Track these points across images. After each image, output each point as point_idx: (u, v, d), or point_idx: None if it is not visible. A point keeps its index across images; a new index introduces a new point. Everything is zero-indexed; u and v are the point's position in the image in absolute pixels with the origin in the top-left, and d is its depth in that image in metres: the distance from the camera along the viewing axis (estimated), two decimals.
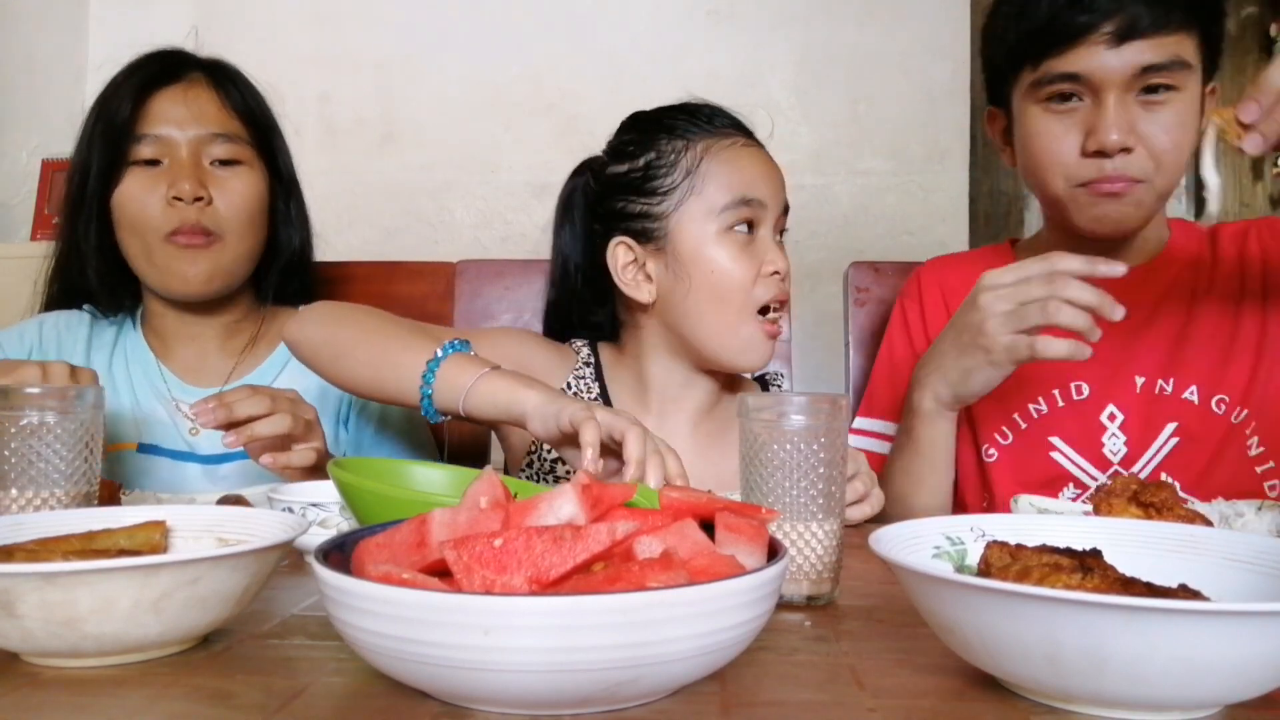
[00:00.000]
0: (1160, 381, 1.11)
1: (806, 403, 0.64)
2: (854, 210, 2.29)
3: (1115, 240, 1.10)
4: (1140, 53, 1.00)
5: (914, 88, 2.27)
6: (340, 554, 0.51)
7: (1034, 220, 2.14)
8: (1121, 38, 1.00)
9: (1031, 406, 1.14)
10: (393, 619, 0.42)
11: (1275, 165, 2.53)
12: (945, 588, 0.46)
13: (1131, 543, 0.59)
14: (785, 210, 1.13)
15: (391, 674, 0.45)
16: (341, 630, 0.45)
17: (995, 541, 0.54)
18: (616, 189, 1.14)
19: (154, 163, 1.17)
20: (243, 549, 0.53)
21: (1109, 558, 0.53)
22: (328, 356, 1.04)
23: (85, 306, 1.27)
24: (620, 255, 1.13)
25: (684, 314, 1.10)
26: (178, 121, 1.18)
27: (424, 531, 0.50)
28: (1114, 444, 1.11)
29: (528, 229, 2.30)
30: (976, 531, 0.60)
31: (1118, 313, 0.91)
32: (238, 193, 1.20)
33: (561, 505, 0.51)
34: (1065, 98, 1.04)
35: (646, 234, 1.11)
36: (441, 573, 0.47)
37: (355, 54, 2.32)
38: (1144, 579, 0.49)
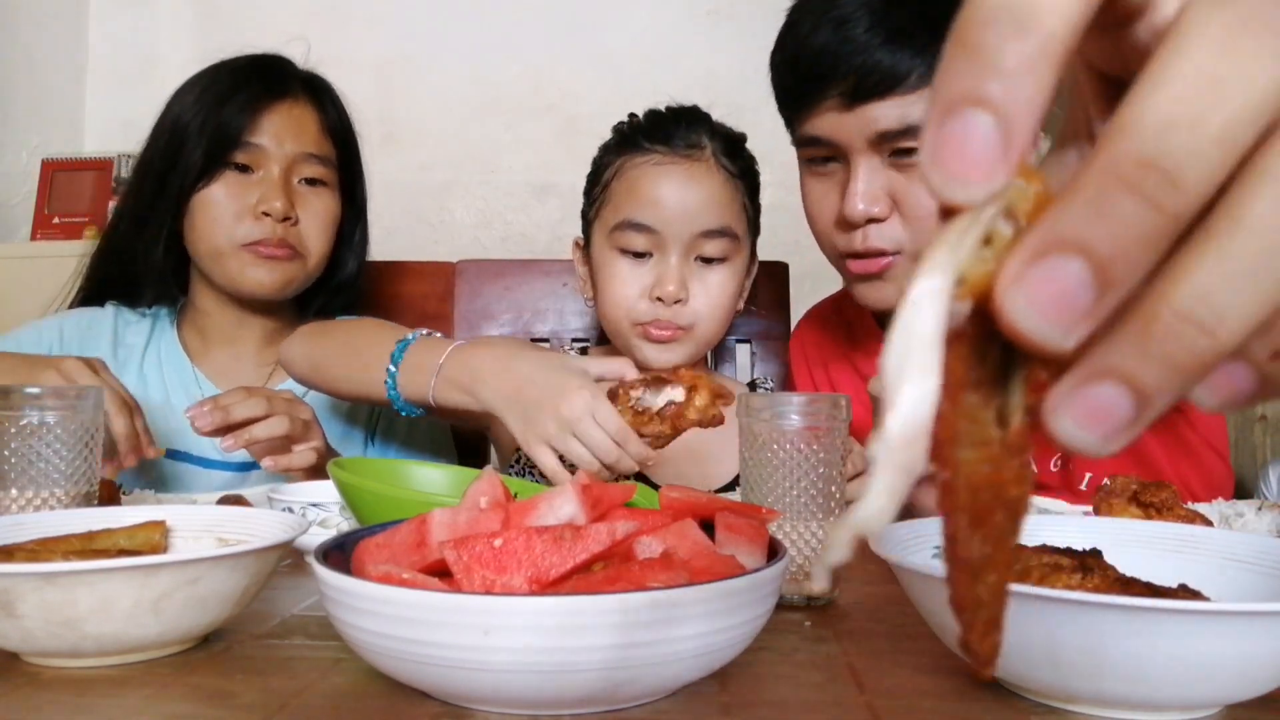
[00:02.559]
0: None
1: (806, 403, 0.64)
2: None
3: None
4: (876, 115, 0.92)
5: None
6: (340, 554, 0.51)
7: None
8: (853, 99, 0.92)
9: None
10: (392, 619, 0.42)
11: None
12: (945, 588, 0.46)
13: (1131, 542, 0.59)
14: (719, 233, 1.09)
15: (391, 674, 0.45)
16: (341, 630, 0.45)
17: None
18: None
19: (244, 169, 1.18)
20: (243, 549, 0.53)
21: (1109, 557, 0.53)
22: (310, 368, 1.06)
23: (109, 304, 1.27)
24: (574, 254, 1.20)
25: (599, 315, 1.16)
26: (278, 136, 1.19)
27: (424, 531, 0.50)
28: None
29: (528, 229, 2.30)
30: None
31: None
32: (319, 215, 1.22)
33: (561, 505, 0.51)
34: (825, 159, 1.00)
35: (586, 236, 1.17)
36: (441, 573, 0.47)
37: (355, 54, 2.32)
38: (1144, 579, 0.49)
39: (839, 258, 1.02)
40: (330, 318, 1.31)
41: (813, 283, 2.23)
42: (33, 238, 2.17)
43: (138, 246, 1.22)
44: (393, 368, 0.94)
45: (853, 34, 0.92)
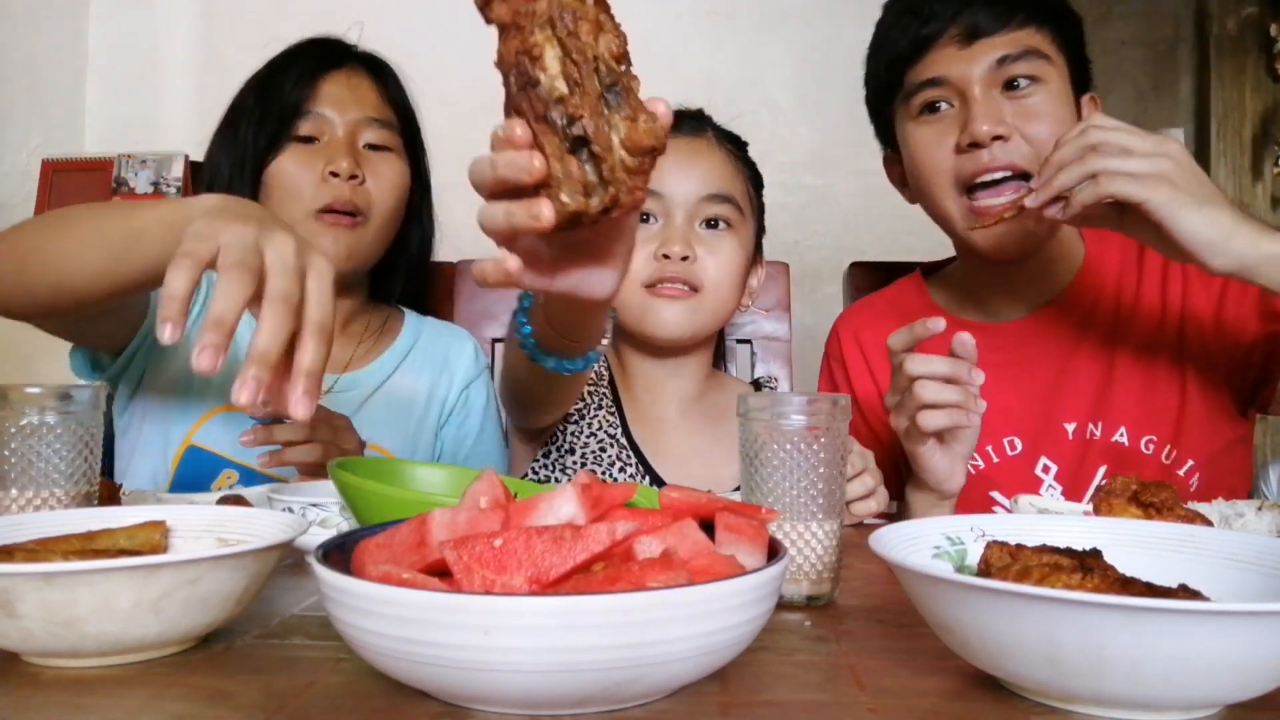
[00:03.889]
0: (1090, 426, 1.08)
1: (807, 402, 0.64)
2: (854, 210, 2.29)
3: (1018, 261, 1.07)
4: (992, 48, 1.02)
5: None
6: (340, 554, 0.51)
7: None
8: (970, 37, 1.02)
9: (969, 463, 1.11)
10: (393, 619, 0.42)
11: (1276, 165, 2.53)
12: (945, 588, 0.46)
13: (1131, 543, 0.59)
14: (722, 199, 1.14)
15: (392, 674, 0.45)
16: (341, 630, 0.45)
17: (995, 541, 0.54)
18: None
19: (310, 140, 1.19)
20: (242, 549, 0.53)
21: (1109, 558, 0.53)
22: None
23: None
24: None
25: None
26: (338, 103, 1.21)
27: (424, 531, 0.50)
28: (1051, 496, 1.08)
29: None
30: (976, 531, 0.60)
31: (977, 377, 0.90)
32: (386, 176, 1.22)
33: (561, 505, 0.51)
34: (934, 108, 1.05)
35: None
36: (441, 573, 0.47)
37: None
38: (1144, 579, 0.49)
39: (959, 198, 1.05)
40: (409, 301, 1.33)
41: (812, 283, 2.23)
42: None
43: None
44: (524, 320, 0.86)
45: None
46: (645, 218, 1.13)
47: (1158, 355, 1.07)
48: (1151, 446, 1.06)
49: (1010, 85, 1.02)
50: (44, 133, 2.27)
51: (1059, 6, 1.07)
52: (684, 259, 1.12)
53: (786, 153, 2.23)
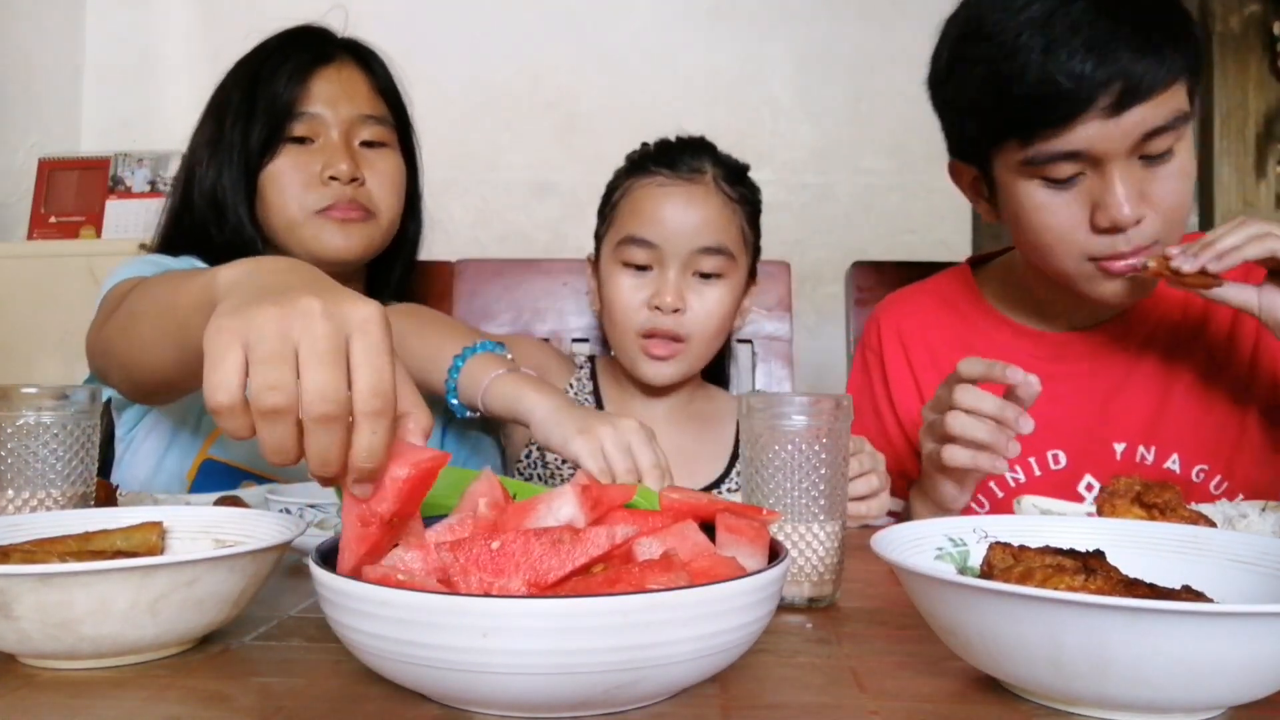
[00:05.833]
0: (1141, 449, 1.05)
1: (808, 403, 0.64)
2: (856, 209, 2.29)
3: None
4: (1141, 118, 0.91)
5: (916, 86, 2.26)
6: (338, 556, 0.50)
7: None
8: (1121, 106, 0.91)
9: (1009, 475, 1.08)
10: (390, 621, 0.42)
11: (1279, 164, 2.53)
12: (948, 590, 0.46)
13: (1135, 544, 0.59)
14: (716, 251, 1.15)
15: (389, 676, 0.45)
16: (339, 632, 0.45)
17: (998, 543, 0.54)
18: None
19: (304, 141, 1.17)
20: (240, 550, 0.52)
21: (1112, 559, 0.53)
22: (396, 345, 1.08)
23: (188, 256, 1.20)
24: (586, 269, 1.27)
25: (604, 326, 1.23)
26: (331, 101, 1.18)
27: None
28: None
29: (526, 228, 2.29)
30: (979, 533, 0.60)
31: (1025, 426, 0.85)
32: (386, 174, 1.21)
33: (560, 507, 0.50)
34: (1071, 175, 0.95)
35: (596, 253, 1.25)
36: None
37: None
38: (1147, 580, 0.49)
39: (1083, 263, 0.97)
40: (401, 294, 1.31)
41: (813, 283, 2.23)
42: (29, 237, 2.17)
43: (215, 227, 1.18)
44: (454, 375, 0.98)
45: (1112, 48, 0.91)
46: (641, 268, 1.15)
47: (1220, 384, 1.04)
48: (1202, 475, 1.03)
49: (1147, 153, 0.94)
50: (41, 131, 2.26)
51: (1200, 46, 0.96)
52: (675, 310, 1.14)
53: (787, 151, 2.23)
